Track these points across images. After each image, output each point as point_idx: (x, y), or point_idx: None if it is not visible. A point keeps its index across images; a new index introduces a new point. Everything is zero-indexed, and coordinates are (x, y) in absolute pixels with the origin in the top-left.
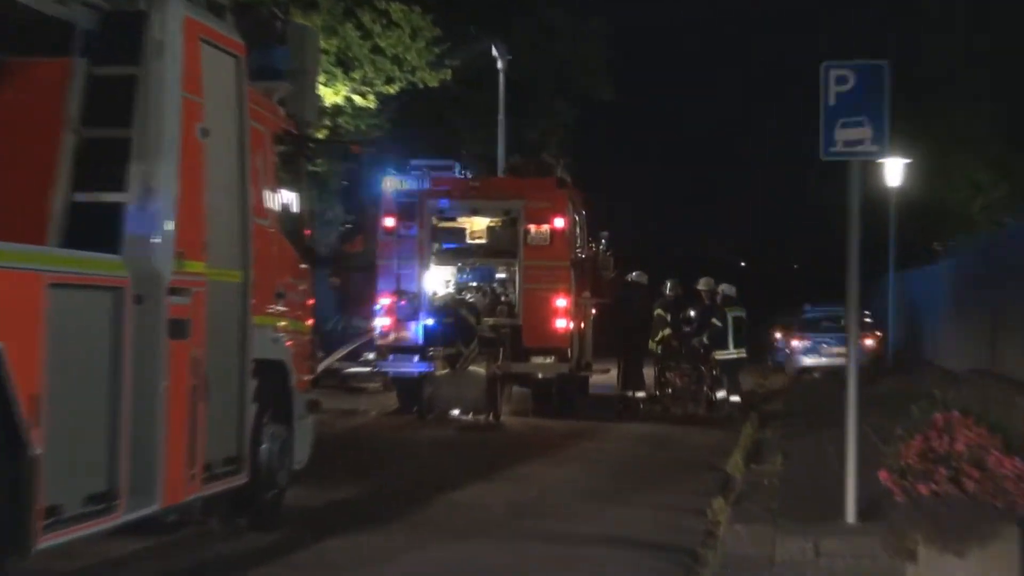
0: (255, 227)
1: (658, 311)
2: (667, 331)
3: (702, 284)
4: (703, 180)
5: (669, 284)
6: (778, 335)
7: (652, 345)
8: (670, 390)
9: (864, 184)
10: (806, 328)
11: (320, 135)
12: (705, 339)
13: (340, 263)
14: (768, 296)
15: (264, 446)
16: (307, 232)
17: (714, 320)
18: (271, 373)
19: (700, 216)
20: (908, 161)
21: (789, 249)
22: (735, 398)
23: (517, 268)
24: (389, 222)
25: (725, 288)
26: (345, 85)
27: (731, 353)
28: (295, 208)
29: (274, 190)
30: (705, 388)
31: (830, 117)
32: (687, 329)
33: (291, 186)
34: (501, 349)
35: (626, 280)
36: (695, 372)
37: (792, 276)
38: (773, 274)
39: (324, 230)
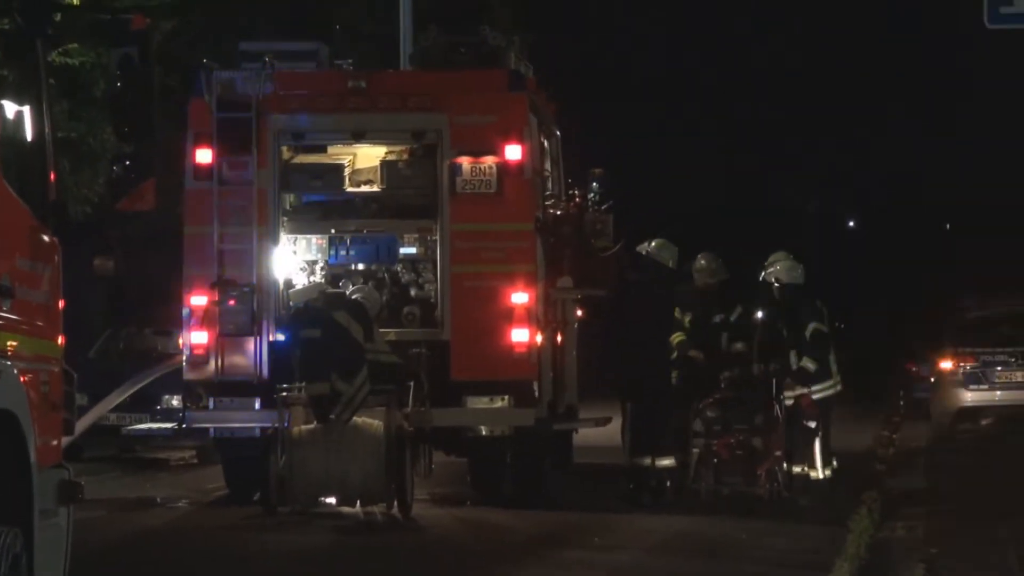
0: None
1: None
2: (679, 338)
3: (778, 270)
4: (774, 81)
5: (702, 263)
6: (916, 352)
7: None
8: (709, 460)
9: None
10: (969, 338)
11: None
12: (803, 361)
13: (113, 233)
14: (898, 282)
15: None
16: (51, 177)
17: (815, 324)
18: None
19: (773, 145)
20: None
21: (934, 197)
22: (829, 471)
23: (439, 238)
24: (203, 156)
25: (787, 268)
26: None
27: (833, 385)
28: (27, 133)
29: None
30: (776, 454)
31: None
32: (738, 347)
33: (21, 94)
34: (412, 386)
35: (637, 256)
36: (755, 430)
37: (943, 245)
38: (906, 242)
39: (84, 173)
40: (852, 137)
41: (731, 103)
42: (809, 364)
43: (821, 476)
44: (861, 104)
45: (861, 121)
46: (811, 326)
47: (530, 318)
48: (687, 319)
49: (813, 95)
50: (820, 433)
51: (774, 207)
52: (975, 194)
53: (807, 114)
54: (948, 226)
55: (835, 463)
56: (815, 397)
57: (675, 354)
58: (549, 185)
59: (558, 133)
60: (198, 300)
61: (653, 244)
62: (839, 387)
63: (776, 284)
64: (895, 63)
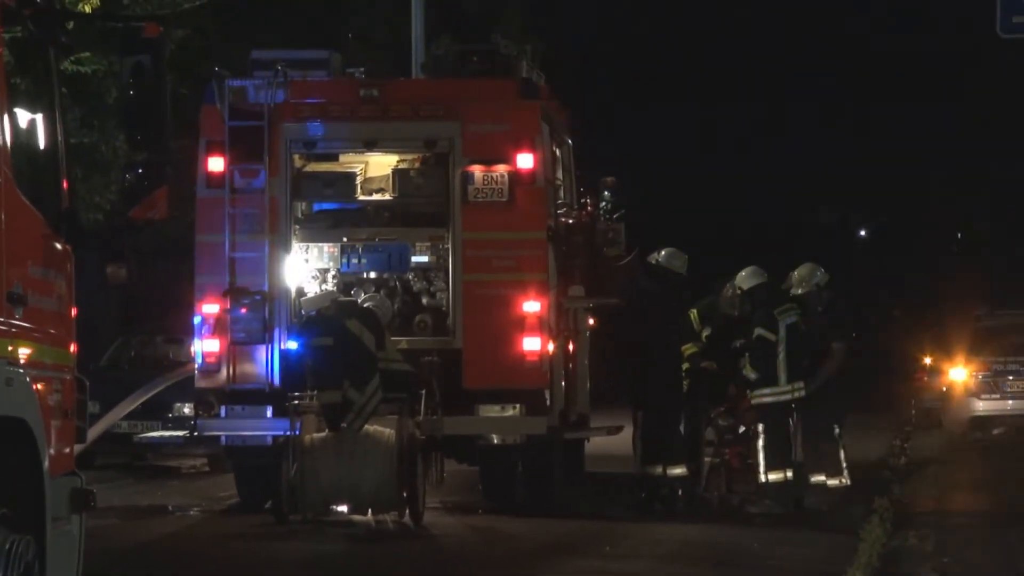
0: None
1: (692, 314)
2: (691, 349)
3: (740, 276)
4: (788, 89)
5: (729, 293)
6: (927, 361)
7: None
8: (720, 469)
9: None
10: (982, 348)
11: (86, 7)
12: (748, 370)
13: (125, 240)
14: (909, 292)
15: None
16: (64, 185)
17: (759, 331)
18: (3, 442)
19: (781, 154)
20: None
21: (945, 207)
22: (774, 476)
23: (451, 246)
24: (215, 165)
25: (748, 274)
26: None
27: (781, 392)
28: (41, 142)
29: (2, 109)
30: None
31: None
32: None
33: (34, 102)
34: (423, 394)
35: (648, 265)
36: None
37: (954, 255)
38: (917, 252)
39: (96, 180)
40: (863, 146)
41: (739, 109)
42: (750, 373)
43: (763, 479)
44: (870, 110)
45: (872, 129)
46: (756, 331)
47: (542, 327)
48: (705, 333)
49: (823, 101)
50: (763, 437)
51: (782, 218)
52: (987, 203)
53: (817, 123)
54: (960, 235)
55: (781, 475)
56: (767, 401)
57: (686, 365)
58: (561, 194)
59: (570, 141)
60: (210, 308)
61: (663, 253)
62: (797, 394)
63: (740, 291)
64: (911, 70)
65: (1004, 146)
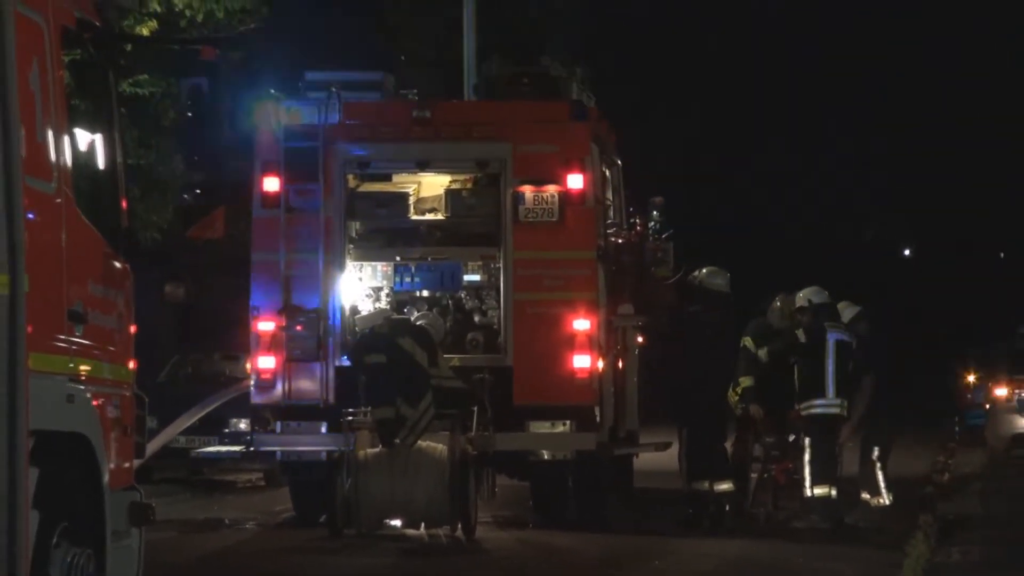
0: (29, 195)
1: (746, 342)
2: (747, 383)
3: (806, 292)
4: (838, 104)
5: (777, 304)
6: (971, 379)
7: (731, 397)
8: (767, 485)
9: None
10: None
11: (144, 30)
12: (762, 352)
13: (182, 259)
14: (955, 309)
15: None
16: (123, 204)
17: (799, 332)
18: (65, 457)
19: (825, 172)
20: None
21: (995, 225)
22: (820, 490)
23: (502, 266)
24: (270, 185)
25: (810, 294)
26: None
27: (830, 405)
28: (100, 162)
29: (63, 130)
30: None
31: None
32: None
33: (93, 123)
34: (475, 411)
35: (694, 284)
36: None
37: (999, 273)
38: (964, 270)
39: (154, 200)
40: (908, 164)
41: (785, 128)
42: (763, 356)
43: (808, 494)
44: (917, 130)
45: (917, 148)
46: (797, 331)
47: (591, 344)
48: (763, 352)
49: (866, 119)
50: (809, 451)
51: (828, 236)
52: None
53: (863, 141)
54: (1002, 254)
55: (834, 491)
56: (816, 412)
57: (738, 402)
58: (611, 213)
59: (619, 162)
60: (265, 325)
61: (704, 271)
62: (841, 409)
63: (808, 305)
64: (946, 88)
65: None
